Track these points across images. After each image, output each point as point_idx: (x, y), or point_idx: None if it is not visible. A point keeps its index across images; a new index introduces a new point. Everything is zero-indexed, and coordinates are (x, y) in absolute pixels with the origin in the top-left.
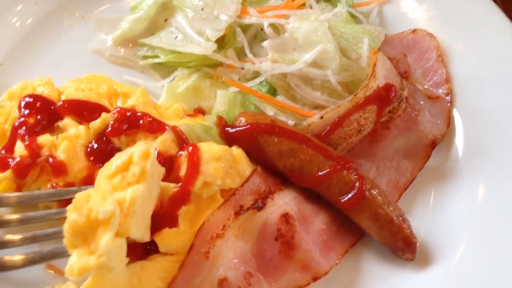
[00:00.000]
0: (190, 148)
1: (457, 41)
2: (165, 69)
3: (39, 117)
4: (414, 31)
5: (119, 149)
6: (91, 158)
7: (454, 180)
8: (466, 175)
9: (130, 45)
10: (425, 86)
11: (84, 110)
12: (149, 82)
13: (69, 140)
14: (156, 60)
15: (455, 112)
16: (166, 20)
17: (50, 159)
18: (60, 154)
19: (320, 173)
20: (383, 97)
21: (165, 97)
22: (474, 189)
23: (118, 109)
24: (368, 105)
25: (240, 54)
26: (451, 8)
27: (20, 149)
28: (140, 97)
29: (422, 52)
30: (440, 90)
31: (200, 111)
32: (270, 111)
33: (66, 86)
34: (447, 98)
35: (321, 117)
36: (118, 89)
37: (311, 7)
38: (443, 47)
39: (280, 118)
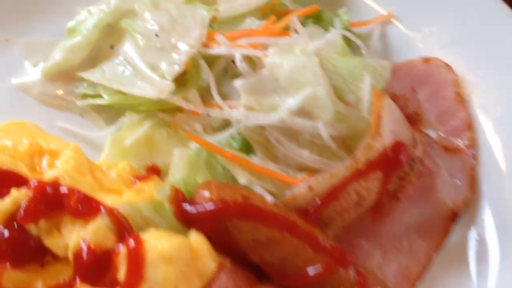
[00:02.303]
0: (131, 242)
1: (481, 75)
2: (111, 112)
3: None
4: (426, 60)
5: (36, 239)
6: None
7: (480, 264)
8: (494, 256)
9: (66, 79)
10: (440, 133)
11: None
12: (88, 131)
13: None
14: (98, 101)
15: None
16: (112, 46)
17: None
18: None
19: (308, 270)
20: (391, 161)
21: (108, 153)
22: (504, 278)
23: (35, 183)
24: (370, 171)
25: (206, 95)
26: (473, 31)
27: None
28: (72, 158)
29: (436, 88)
30: (460, 141)
31: (154, 171)
32: (242, 178)
33: None
34: (469, 151)
35: (310, 188)
36: (43, 145)
37: (296, 32)
38: (463, 82)
39: (255, 187)
